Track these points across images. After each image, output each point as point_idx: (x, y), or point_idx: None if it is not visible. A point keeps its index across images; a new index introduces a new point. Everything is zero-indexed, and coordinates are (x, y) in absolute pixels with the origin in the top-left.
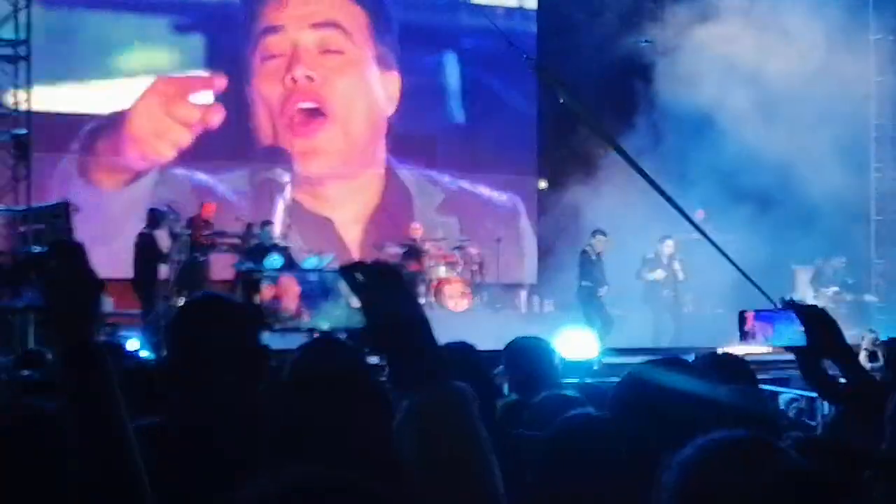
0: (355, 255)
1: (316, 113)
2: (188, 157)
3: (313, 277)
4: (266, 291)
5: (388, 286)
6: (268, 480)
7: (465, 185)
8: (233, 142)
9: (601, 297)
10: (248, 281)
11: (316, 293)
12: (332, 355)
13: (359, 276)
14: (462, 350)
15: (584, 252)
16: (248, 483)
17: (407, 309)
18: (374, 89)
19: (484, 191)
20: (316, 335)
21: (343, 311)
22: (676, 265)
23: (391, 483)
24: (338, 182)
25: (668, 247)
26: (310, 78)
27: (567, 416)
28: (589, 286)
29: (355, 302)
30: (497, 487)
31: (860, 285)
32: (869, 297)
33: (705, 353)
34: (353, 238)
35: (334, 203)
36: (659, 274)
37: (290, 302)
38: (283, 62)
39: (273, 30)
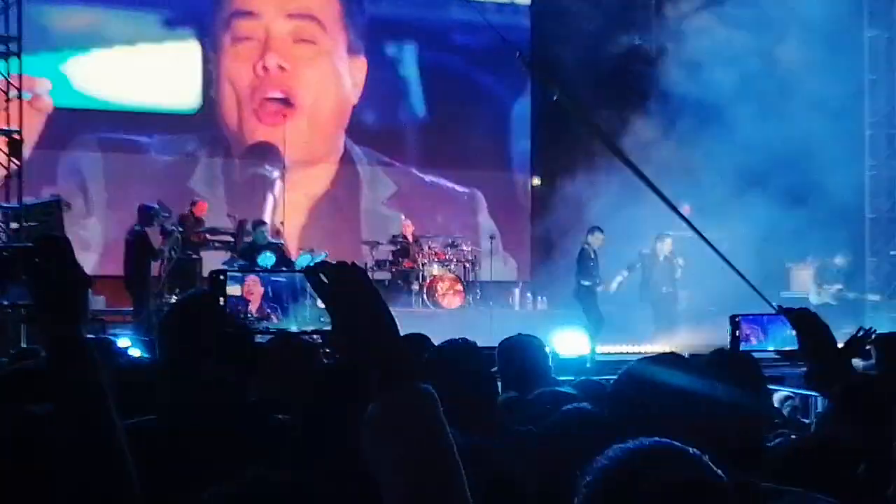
0: (296, 242)
1: (284, 103)
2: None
3: (278, 278)
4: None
5: (352, 286)
6: (229, 482)
7: (432, 178)
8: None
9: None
10: (216, 281)
11: (280, 294)
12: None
13: (323, 277)
14: (464, 348)
15: (583, 250)
16: (214, 484)
17: (372, 309)
18: (343, 79)
19: (447, 185)
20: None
21: (312, 312)
22: (680, 260)
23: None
24: (294, 170)
25: (667, 245)
26: (282, 68)
27: (563, 410)
28: (588, 285)
29: (321, 303)
30: (463, 490)
31: (859, 283)
32: (872, 297)
33: (715, 350)
34: (297, 224)
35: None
36: (614, 284)
37: (255, 303)
38: (255, 47)
39: (248, 14)
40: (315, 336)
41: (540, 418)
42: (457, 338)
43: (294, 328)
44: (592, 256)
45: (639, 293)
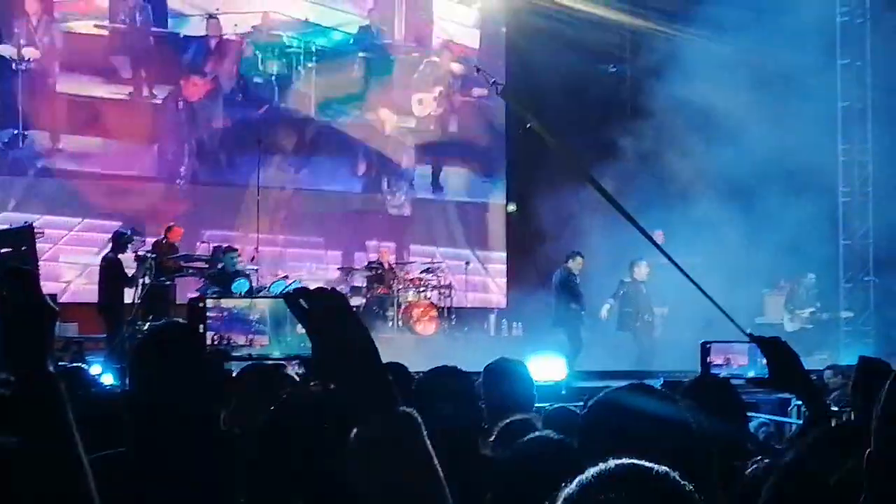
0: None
1: None
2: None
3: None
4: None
5: (333, 312)
6: None
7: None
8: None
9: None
10: (195, 309)
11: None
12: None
13: (303, 303)
14: (451, 374)
15: (567, 275)
16: None
17: (353, 335)
18: None
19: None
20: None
21: (294, 338)
22: (661, 310)
23: None
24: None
25: (642, 269)
26: None
27: (526, 438)
28: (577, 308)
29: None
30: None
31: (833, 303)
32: (845, 314)
33: (695, 377)
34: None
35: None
36: (606, 309)
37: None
38: None
39: None
40: (295, 363)
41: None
42: (445, 364)
43: (277, 354)
44: (578, 281)
45: (617, 321)
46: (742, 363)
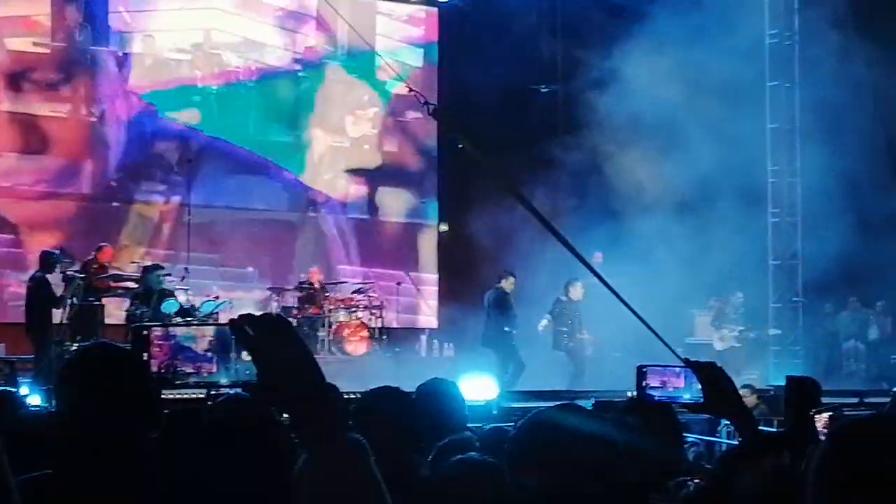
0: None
1: None
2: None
3: (190, 331)
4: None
5: (277, 338)
6: None
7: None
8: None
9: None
10: (138, 335)
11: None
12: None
13: (248, 329)
14: (391, 395)
15: (500, 294)
16: None
17: (298, 361)
18: None
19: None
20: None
21: (242, 365)
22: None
23: None
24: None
25: (577, 290)
26: None
27: (451, 460)
28: (507, 329)
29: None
30: None
31: (761, 320)
32: (773, 331)
33: (631, 397)
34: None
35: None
36: (543, 324)
37: (162, 355)
38: None
39: None
40: (237, 390)
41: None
42: (386, 385)
43: (224, 381)
44: (511, 301)
45: (553, 340)
46: (678, 386)
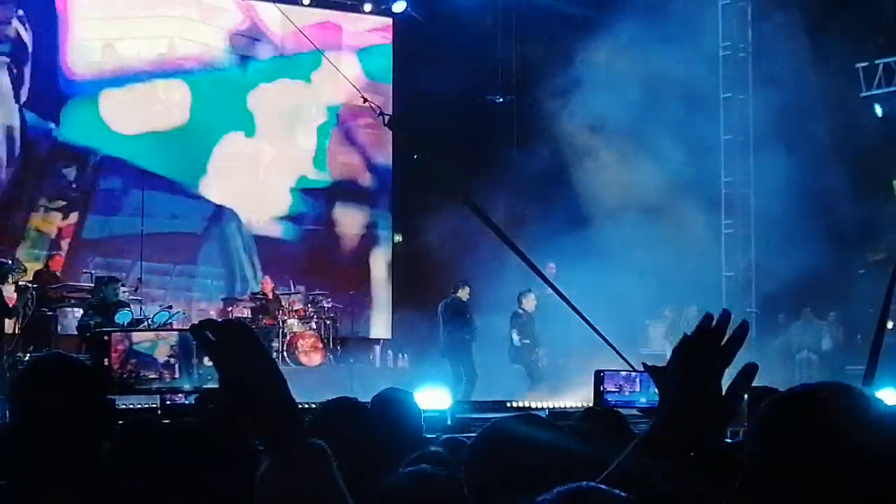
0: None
1: None
2: None
3: (150, 338)
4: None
5: (239, 344)
6: None
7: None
8: None
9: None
10: (96, 341)
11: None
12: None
13: (210, 335)
14: (348, 406)
15: (458, 304)
16: None
17: (260, 367)
18: None
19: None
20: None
21: (205, 371)
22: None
23: None
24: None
25: (530, 301)
26: None
27: (402, 472)
28: (467, 338)
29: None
30: None
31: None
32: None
33: (587, 408)
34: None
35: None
36: (517, 338)
37: (122, 361)
38: None
39: None
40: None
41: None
42: (341, 396)
43: (187, 387)
44: (468, 309)
45: (512, 354)
46: (634, 390)
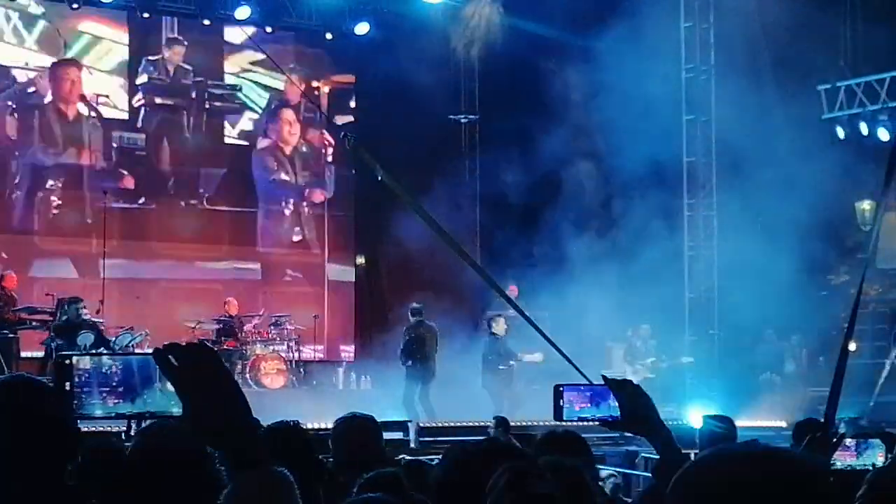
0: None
1: None
2: None
3: (113, 362)
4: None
5: (203, 369)
6: None
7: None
8: None
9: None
10: (61, 365)
11: (120, 379)
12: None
13: (173, 360)
14: (287, 430)
15: (428, 328)
16: None
17: (225, 392)
18: None
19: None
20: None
21: (162, 395)
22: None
23: None
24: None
25: (500, 324)
26: None
27: (352, 500)
28: (416, 365)
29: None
30: None
31: (676, 351)
32: (685, 359)
33: (548, 431)
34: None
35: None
36: (538, 356)
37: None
38: None
39: None
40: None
41: None
42: (279, 420)
43: (150, 411)
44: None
45: (489, 378)
46: (593, 403)
